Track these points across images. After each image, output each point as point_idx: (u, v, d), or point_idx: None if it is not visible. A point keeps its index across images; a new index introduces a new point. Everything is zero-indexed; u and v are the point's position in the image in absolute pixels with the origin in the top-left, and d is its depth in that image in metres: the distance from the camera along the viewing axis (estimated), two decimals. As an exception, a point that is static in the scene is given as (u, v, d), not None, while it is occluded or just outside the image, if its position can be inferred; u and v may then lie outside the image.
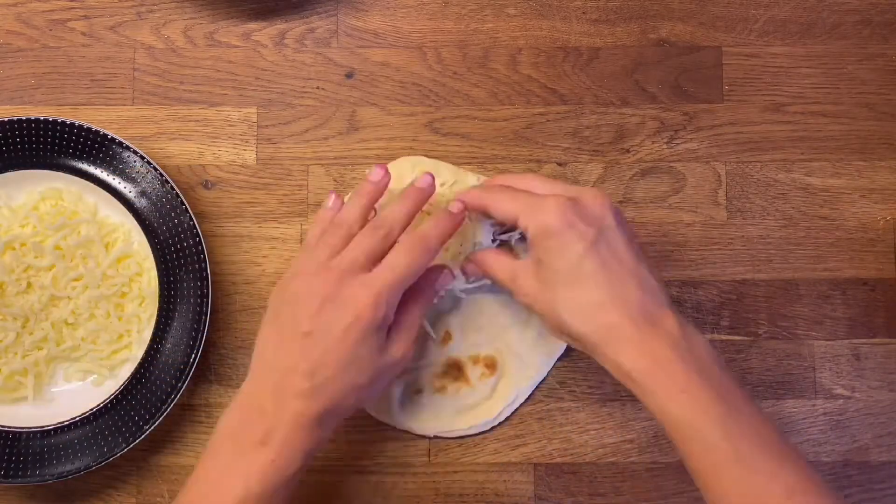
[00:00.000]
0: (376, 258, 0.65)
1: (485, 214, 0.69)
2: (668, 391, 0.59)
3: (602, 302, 0.62)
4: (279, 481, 0.61)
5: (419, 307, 0.68)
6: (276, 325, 0.65)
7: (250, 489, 0.61)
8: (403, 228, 0.67)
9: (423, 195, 0.68)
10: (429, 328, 0.73)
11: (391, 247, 0.66)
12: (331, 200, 0.70)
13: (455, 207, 0.69)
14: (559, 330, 0.65)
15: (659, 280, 0.64)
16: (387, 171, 0.69)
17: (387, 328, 0.65)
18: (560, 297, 0.63)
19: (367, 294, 0.63)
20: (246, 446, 0.62)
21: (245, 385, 0.65)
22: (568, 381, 0.77)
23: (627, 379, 0.61)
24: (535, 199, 0.65)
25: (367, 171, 0.70)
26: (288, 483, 0.62)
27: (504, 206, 0.66)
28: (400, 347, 0.66)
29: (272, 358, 0.64)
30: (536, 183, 0.68)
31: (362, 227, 0.67)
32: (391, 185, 0.76)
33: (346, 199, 0.71)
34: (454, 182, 0.76)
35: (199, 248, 0.73)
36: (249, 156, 0.78)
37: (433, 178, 0.69)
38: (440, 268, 0.70)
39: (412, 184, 0.69)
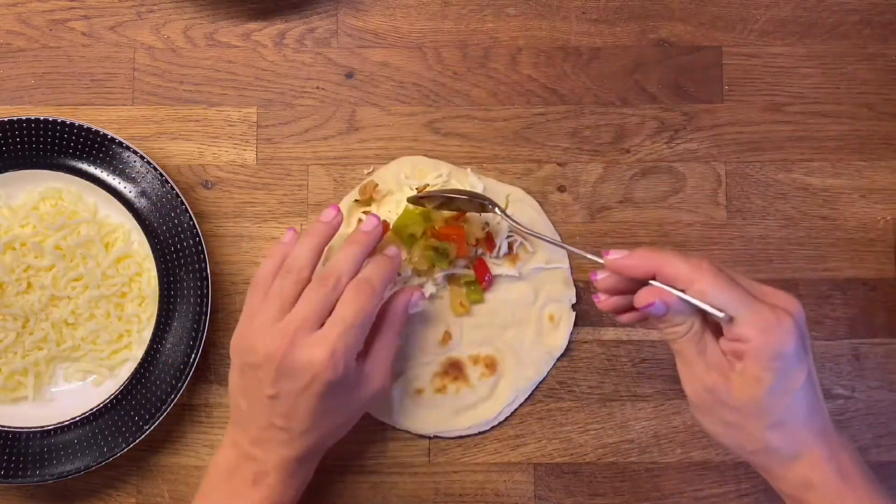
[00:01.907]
0: (326, 312, 0.64)
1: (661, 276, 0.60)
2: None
3: (805, 422, 0.59)
4: None
5: (392, 331, 0.68)
6: (244, 384, 0.66)
7: None
8: (352, 276, 0.66)
9: (370, 238, 0.68)
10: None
11: (341, 295, 0.65)
12: (287, 236, 0.69)
13: (391, 252, 0.69)
14: (751, 439, 0.60)
15: None
16: (339, 212, 0.69)
17: (352, 373, 0.65)
18: (767, 413, 0.59)
19: (321, 354, 0.63)
20: (240, 487, 0.64)
21: (229, 430, 0.67)
22: (568, 381, 0.77)
23: (812, 491, 0.59)
24: (766, 311, 0.57)
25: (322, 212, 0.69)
26: None
27: (718, 294, 0.57)
28: (376, 378, 0.67)
29: (248, 413, 0.65)
30: (709, 276, 0.58)
31: (313, 269, 0.66)
32: (390, 188, 0.76)
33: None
34: (449, 172, 0.76)
35: (199, 248, 0.73)
36: (249, 156, 0.78)
37: (378, 218, 0.69)
38: (410, 290, 0.71)
39: (358, 227, 0.69)
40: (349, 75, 0.79)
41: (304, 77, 0.79)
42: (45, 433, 0.72)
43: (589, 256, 0.63)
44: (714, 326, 0.60)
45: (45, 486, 0.75)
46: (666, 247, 0.60)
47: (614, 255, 0.61)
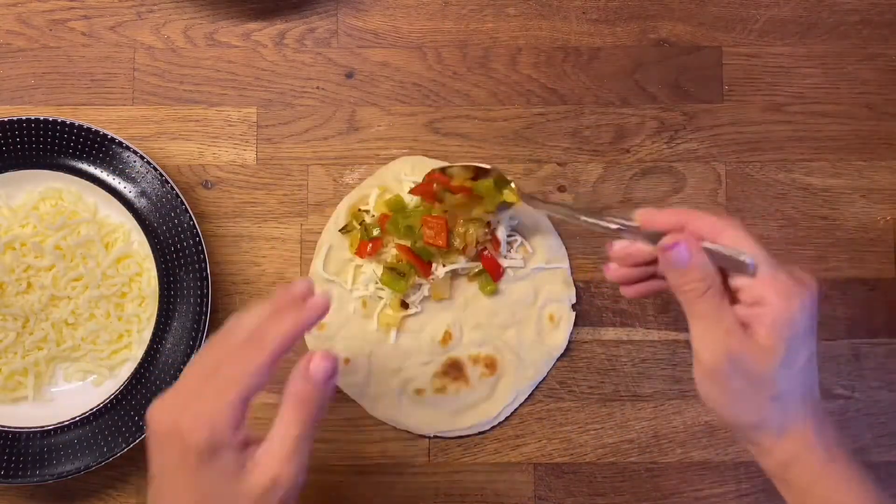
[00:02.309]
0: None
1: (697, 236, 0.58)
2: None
3: (802, 397, 0.59)
4: None
5: (290, 410, 0.54)
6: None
7: None
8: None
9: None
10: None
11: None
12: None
13: (313, 303, 0.56)
14: (754, 393, 0.58)
15: None
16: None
17: (228, 450, 0.52)
18: (773, 384, 0.57)
19: (184, 416, 0.53)
20: None
21: None
22: (568, 381, 0.77)
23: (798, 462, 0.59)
24: (786, 276, 0.57)
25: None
26: None
27: (746, 246, 0.57)
28: (268, 467, 0.52)
29: None
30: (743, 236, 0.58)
31: None
32: (387, 185, 0.76)
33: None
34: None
35: (199, 248, 0.73)
36: (249, 156, 0.78)
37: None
38: (316, 355, 0.54)
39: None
40: (349, 75, 0.79)
41: (304, 77, 0.79)
42: (45, 433, 0.72)
43: (617, 220, 0.62)
44: (731, 294, 0.59)
45: (45, 486, 0.75)
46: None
47: (645, 210, 0.60)
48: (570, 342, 0.77)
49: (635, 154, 0.79)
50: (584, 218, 0.65)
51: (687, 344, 0.77)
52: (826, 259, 0.78)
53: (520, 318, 0.76)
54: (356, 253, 0.74)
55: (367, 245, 0.74)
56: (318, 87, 0.79)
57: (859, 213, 0.79)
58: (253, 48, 0.79)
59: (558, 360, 0.77)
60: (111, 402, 0.73)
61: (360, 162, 0.78)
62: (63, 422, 0.73)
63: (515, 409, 0.76)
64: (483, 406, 0.76)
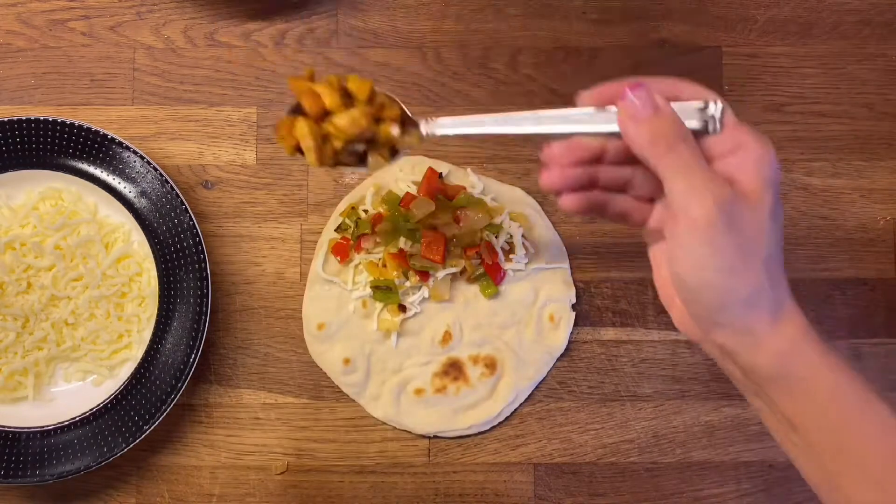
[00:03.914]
0: None
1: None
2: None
3: (782, 265, 0.56)
4: None
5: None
6: None
7: None
8: None
9: None
10: None
11: None
12: None
13: None
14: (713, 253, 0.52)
15: None
16: None
17: None
18: (763, 243, 0.55)
19: None
20: None
21: None
22: (568, 381, 0.77)
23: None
24: (753, 129, 0.55)
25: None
26: None
27: (710, 93, 0.56)
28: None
29: None
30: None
31: None
32: (389, 187, 0.76)
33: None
34: (448, 172, 0.76)
35: (199, 248, 0.73)
36: (249, 156, 0.78)
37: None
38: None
39: None
40: (349, 75, 0.79)
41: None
42: (45, 433, 0.72)
43: (549, 114, 0.56)
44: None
45: (45, 486, 0.75)
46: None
47: (590, 90, 0.55)
48: (570, 342, 0.77)
49: (635, 154, 0.79)
50: (505, 128, 0.56)
51: (687, 344, 0.77)
52: (826, 259, 0.78)
53: (520, 318, 0.76)
54: (332, 252, 0.74)
55: (348, 245, 0.74)
56: (318, 87, 0.79)
57: (859, 213, 0.79)
58: (253, 48, 0.79)
59: (558, 360, 0.77)
60: (111, 402, 0.73)
61: (360, 162, 0.78)
62: (63, 422, 0.73)
63: (515, 409, 0.76)
64: (483, 406, 0.76)
